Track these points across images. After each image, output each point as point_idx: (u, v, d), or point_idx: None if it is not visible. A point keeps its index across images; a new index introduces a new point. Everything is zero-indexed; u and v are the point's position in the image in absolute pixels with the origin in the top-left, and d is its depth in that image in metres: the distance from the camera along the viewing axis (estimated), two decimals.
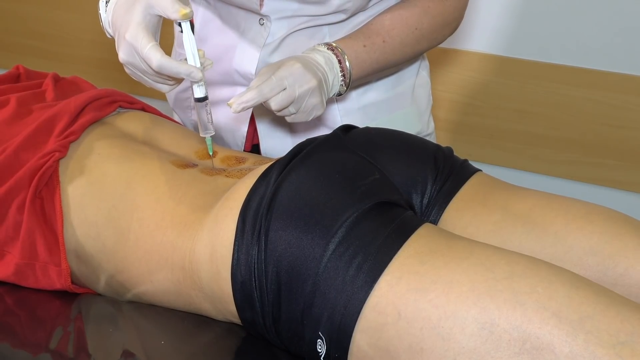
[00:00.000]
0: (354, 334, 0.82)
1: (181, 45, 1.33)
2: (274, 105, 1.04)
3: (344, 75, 1.13)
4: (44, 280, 1.04)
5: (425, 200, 1.02)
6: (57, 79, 1.25)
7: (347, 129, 1.06)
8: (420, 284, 0.80)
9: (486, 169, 1.12)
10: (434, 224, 0.99)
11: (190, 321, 1.00)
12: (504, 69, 1.88)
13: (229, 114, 1.30)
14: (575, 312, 0.76)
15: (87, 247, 1.02)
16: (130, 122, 1.16)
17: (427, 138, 1.39)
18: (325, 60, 1.11)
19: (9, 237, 1.03)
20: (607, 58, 1.74)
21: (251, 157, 1.11)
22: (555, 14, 1.79)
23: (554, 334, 0.75)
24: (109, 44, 2.53)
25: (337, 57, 1.13)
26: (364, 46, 1.16)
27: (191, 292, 0.97)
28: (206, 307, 0.97)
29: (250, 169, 1.04)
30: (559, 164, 1.88)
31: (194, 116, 1.37)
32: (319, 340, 0.85)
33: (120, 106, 1.19)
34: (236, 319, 0.94)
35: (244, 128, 1.30)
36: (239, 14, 1.23)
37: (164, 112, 1.27)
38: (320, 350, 0.85)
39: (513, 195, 1.01)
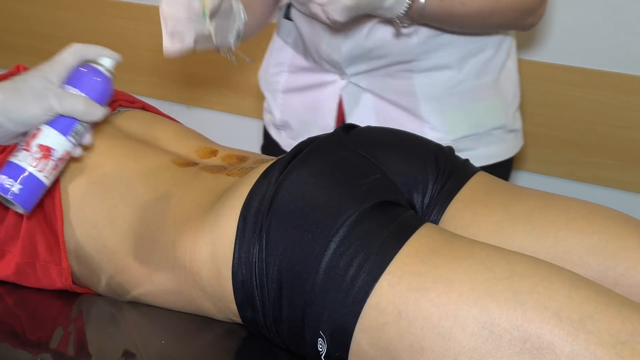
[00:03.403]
0: (354, 333, 0.82)
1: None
2: None
3: (410, 5, 1.10)
4: (45, 280, 1.04)
5: (426, 200, 1.02)
6: None
7: (348, 128, 1.06)
8: (421, 284, 0.80)
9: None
10: (435, 223, 0.99)
11: (191, 321, 1.00)
12: None
13: (319, 101, 1.36)
14: (576, 312, 0.76)
15: (87, 247, 1.02)
16: (130, 121, 1.16)
17: (513, 134, 1.38)
18: None
19: (9, 237, 1.03)
20: (607, 58, 1.74)
21: (252, 156, 1.12)
22: (555, 14, 1.79)
23: (554, 333, 0.75)
24: (109, 44, 2.52)
25: None
26: None
27: (192, 292, 0.97)
28: (207, 307, 0.97)
29: (251, 168, 1.04)
30: (559, 164, 1.87)
31: (280, 100, 1.42)
32: (319, 339, 0.85)
33: (120, 105, 1.19)
34: (237, 318, 0.94)
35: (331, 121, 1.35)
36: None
37: (164, 111, 1.27)
38: (321, 350, 0.85)
39: (514, 196, 1.01)
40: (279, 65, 1.43)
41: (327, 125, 1.37)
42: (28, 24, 2.46)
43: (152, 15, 2.23)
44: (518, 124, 1.41)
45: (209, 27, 0.98)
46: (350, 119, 1.34)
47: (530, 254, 0.90)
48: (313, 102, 1.37)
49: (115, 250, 1.00)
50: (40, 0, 2.41)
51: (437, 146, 1.06)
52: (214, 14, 1.01)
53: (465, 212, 1.00)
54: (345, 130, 1.05)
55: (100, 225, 1.01)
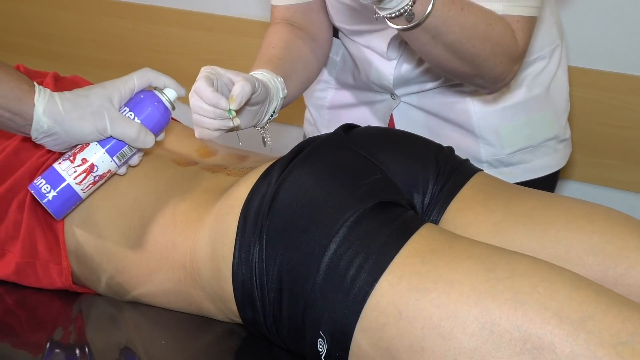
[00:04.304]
0: (354, 334, 0.82)
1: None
2: None
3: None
4: (45, 279, 1.04)
5: (426, 200, 1.02)
6: (57, 78, 1.24)
7: (348, 128, 1.06)
8: (422, 284, 0.80)
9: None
10: (435, 223, 0.99)
11: (191, 321, 1.00)
12: None
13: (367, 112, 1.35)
14: (576, 312, 0.76)
15: (88, 247, 1.02)
16: None
17: (565, 143, 1.37)
18: None
19: (9, 236, 1.03)
20: (607, 58, 1.74)
21: (253, 155, 1.11)
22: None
23: (555, 333, 0.75)
24: (109, 44, 2.53)
25: None
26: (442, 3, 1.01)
27: (192, 292, 0.97)
28: (207, 306, 0.97)
29: (251, 168, 1.04)
30: None
31: (326, 116, 1.41)
32: (319, 339, 0.85)
33: None
34: (237, 318, 0.94)
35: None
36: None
37: None
38: (321, 350, 0.85)
39: (514, 196, 1.01)
40: (325, 82, 1.41)
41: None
42: (28, 24, 2.46)
43: (152, 15, 2.24)
44: (568, 132, 1.39)
45: (235, 124, 0.97)
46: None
47: (530, 254, 0.90)
48: (362, 118, 1.34)
49: (115, 250, 1.00)
50: (40, 0, 2.41)
51: (438, 146, 1.06)
52: (242, 108, 0.99)
53: (466, 212, 1.00)
54: (345, 130, 1.04)
55: (101, 225, 1.01)
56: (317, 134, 1.45)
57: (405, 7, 0.96)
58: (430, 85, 1.28)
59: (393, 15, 0.97)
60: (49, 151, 1.04)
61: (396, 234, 0.85)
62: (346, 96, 1.39)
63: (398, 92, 1.30)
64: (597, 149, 1.81)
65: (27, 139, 1.05)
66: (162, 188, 1.01)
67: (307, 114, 1.49)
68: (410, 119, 1.32)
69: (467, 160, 1.07)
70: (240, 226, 0.90)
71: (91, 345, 0.98)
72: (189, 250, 0.95)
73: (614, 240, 0.93)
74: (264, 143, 1.10)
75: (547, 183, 1.35)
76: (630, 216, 0.97)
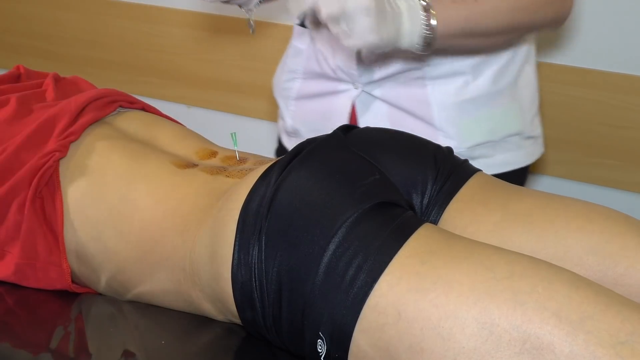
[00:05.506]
0: (354, 334, 0.82)
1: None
2: (323, 10, 1.01)
3: (429, 29, 1.05)
4: (45, 280, 1.04)
5: (425, 200, 1.02)
6: (57, 79, 1.25)
7: (347, 128, 1.06)
8: (421, 284, 0.80)
9: None
10: (434, 224, 0.99)
11: (191, 321, 1.00)
12: None
13: (325, 107, 1.36)
14: (576, 312, 0.76)
15: (88, 248, 1.02)
16: (130, 122, 1.16)
17: (533, 141, 1.36)
18: (408, 7, 1.05)
19: (9, 237, 1.03)
20: (607, 58, 1.74)
21: (252, 157, 1.11)
22: None
23: (554, 333, 0.75)
24: (109, 44, 2.53)
25: (423, 8, 1.05)
26: (453, 1, 1.08)
27: (192, 292, 0.97)
28: (207, 307, 0.97)
29: (250, 169, 1.04)
30: (559, 164, 1.87)
31: (292, 107, 1.42)
32: (319, 340, 0.85)
33: (120, 106, 1.19)
34: (237, 319, 0.94)
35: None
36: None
37: (164, 112, 1.27)
38: (320, 351, 0.85)
39: (513, 195, 1.01)
40: (292, 72, 1.42)
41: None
42: (28, 24, 2.46)
43: (152, 15, 2.24)
44: (537, 130, 1.38)
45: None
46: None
47: (529, 253, 0.90)
48: (325, 110, 1.35)
49: (116, 251, 1.00)
50: (40, 0, 2.41)
51: (436, 146, 1.06)
52: None
53: (465, 212, 1.00)
54: (344, 131, 1.05)
55: (101, 226, 1.01)
56: (285, 128, 1.46)
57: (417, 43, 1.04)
58: (391, 69, 1.28)
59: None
60: (50, 152, 1.04)
61: (395, 234, 0.85)
62: (312, 86, 1.39)
63: (362, 79, 1.30)
64: (597, 149, 1.81)
65: (27, 141, 1.06)
66: (161, 190, 1.01)
67: (279, 109, 1.50)
68: (372, 110, 1.32)
69: (466, 161, 1.07)
70: (239, 227, 0.90)
71: (91, 345, 0.98)
72: (189, 251, 0.95)
73: (613, 240, 0.93)
74: (251, 28, 1.13)
75: (513, 179, 1.35)
76: (629, 216, 0.97)
